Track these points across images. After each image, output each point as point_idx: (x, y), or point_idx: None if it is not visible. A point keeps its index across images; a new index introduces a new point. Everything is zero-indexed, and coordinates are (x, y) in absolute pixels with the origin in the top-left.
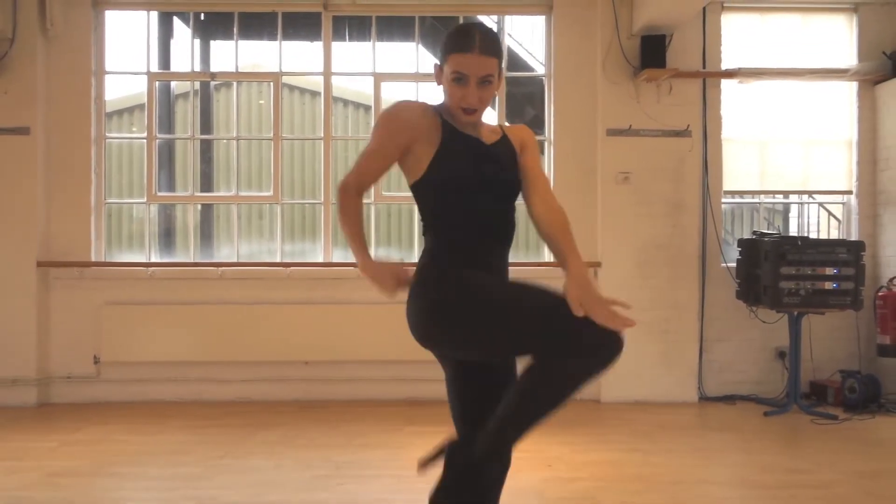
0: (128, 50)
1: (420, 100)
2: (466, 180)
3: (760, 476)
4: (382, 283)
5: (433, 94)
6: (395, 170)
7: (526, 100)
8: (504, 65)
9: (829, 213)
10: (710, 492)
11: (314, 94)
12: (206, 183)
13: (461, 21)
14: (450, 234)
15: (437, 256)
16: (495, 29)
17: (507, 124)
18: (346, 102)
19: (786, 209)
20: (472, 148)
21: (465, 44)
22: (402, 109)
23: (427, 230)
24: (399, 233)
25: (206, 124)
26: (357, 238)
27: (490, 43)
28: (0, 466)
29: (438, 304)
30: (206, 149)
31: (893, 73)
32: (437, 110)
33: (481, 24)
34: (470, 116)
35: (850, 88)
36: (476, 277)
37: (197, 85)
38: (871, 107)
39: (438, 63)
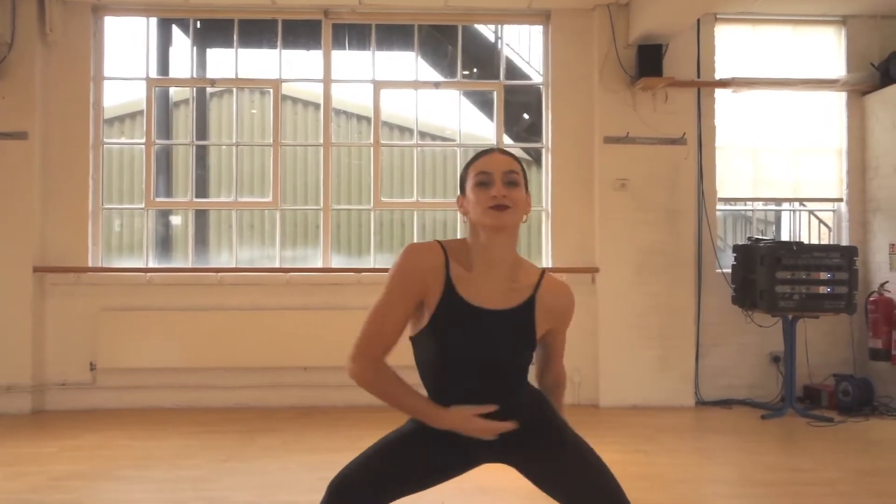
0: (127, 56)
1: (432, 243)
2: (440, 365)
3: (765, 475)
4: (475, 426)
5: (429, 103)
6: (396, 174)
7: (523, 108)
8: (528, 192)
9: (820, 221)
10: (717, 490)
11: (307, 104)
12: (205, 189)
13: (460, 29)
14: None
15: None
16: (499, 48)
17: (551, 276)
18: (343, 113)
19: (777, 216)
20: (465, 323)
21: (483, 152)
22: (415, 257)
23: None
24: (392, 241)
25: (203, 131)
26: (411, 400)
27: (508, 152)
28: (2, 472)
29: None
30: (204, 155)
31: (881, 84)
32: (446, 254)
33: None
34: (501, 213)
35: (840, 98)
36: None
37: (195, 92)
38: (860, 116)
39: (461, 194)
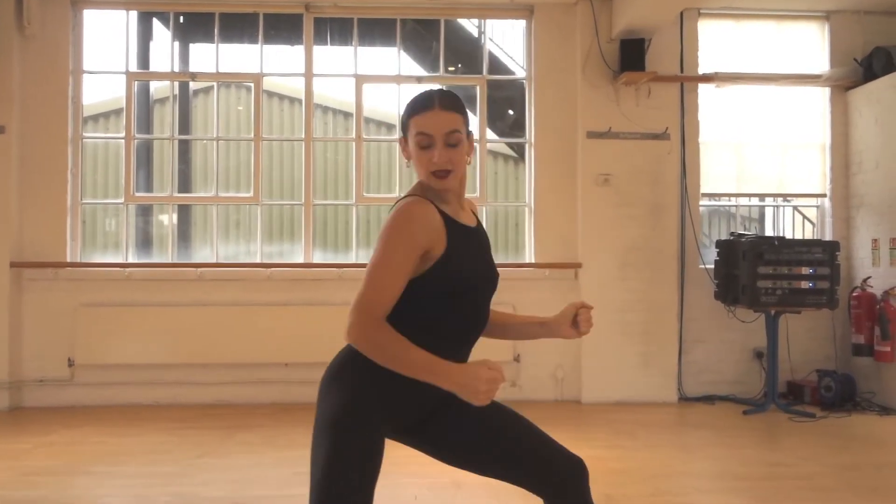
0: (107, 50)
1: (422, 199)
2: (472, 281)
3: (743, 469)
4: (483, 390)
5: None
6: (378, 170)
7: (507, 103)
8: (471, 130)
9: (804, 216)
10: (692, 483)
11: (293, 100)
12: (185, 184)
13: (442, 24)
14: (429, 335)
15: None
16: (478, 39)
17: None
18: (326, 109)
19: (761, 212)
20: (472, 243)
21: (425, 104)
22: (421, 220)
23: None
24: (374, 236)
25: (185, 127)
26: (420, 360)
27: (450, 99)
28: None
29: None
30: (185, 150)
31: (864, 79)
32: (433, 203)
33: (440, 88)
34: (443, 180)
35: (823, 94)
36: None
37: (176, 88)
38: (844, 112)
39: (403, 136)
